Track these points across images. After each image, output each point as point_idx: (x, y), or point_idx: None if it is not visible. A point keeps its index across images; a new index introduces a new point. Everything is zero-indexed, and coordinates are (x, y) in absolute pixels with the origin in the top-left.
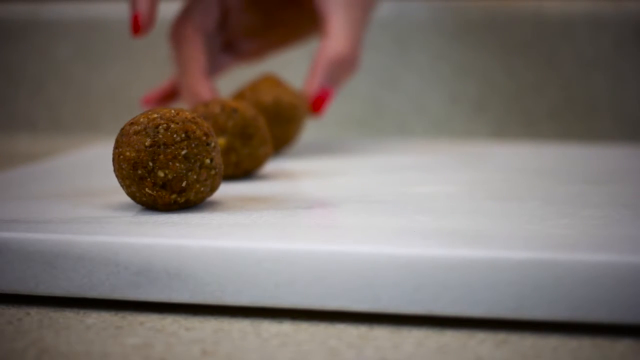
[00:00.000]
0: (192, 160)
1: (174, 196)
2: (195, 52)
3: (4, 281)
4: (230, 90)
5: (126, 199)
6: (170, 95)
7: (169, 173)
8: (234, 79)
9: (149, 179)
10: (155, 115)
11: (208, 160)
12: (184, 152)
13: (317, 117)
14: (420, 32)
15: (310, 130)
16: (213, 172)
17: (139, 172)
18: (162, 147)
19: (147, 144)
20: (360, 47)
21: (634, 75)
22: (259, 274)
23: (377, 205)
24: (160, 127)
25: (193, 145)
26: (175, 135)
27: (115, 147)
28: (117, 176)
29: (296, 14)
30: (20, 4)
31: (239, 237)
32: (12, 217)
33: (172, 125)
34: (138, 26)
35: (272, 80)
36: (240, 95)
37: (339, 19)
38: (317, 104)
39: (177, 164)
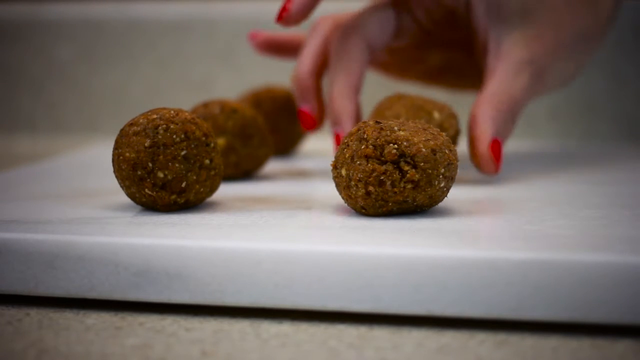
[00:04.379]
0: (192, 161)
1: (173, 197)
2: (355, 65)
3: (4, 281)
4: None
5: (126, 199)
6: (286, 47)
7: (168, 174)
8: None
9: (148, 180)
10: (155, 116)
11: (207, 161)
12: (183, 152)
13: (494, 173)
14: None
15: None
16: (213, 172)
17: (139, 172)
18: (161, 147)
19: (146, 144)
20: (524, 99)
21: (633, 75)
22: (258, 274)
23: None
24: (160, 127)
25: (192, 145)
26: (174, 136)
27: (115, 148)
28: (116, 177)
29: (460, 70)
30: (20, 4)
31: (238, 237)
32: (12, 217)
33: (172, 126)
34: (311, 122)
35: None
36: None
37: (505, 65)
38: (494, 159)
39: (177, 165)
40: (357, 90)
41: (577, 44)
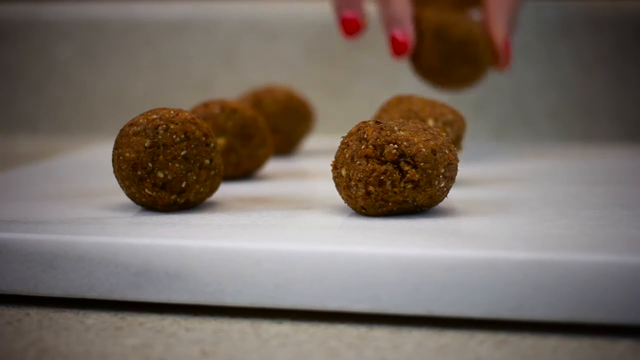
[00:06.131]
0: (192, 161)
1: (173, 197)
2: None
3: (4, 281)
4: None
5: (126, 199)
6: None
7: (168, 174)
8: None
9: (148, 180)
10: (155, 116)
11: (207, 161)
12: (183, 152)
13: (505, 68)
14: None
15: (310, 130)
16: (213, 172)
17: (139, 172)
18: (161, 147)
19: (146, 144)
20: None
21: (634, 75)
22: (258, 274)
23: None
24: (160, 127)
25: (192, 145)
26: (174, 136)
27: (115, 148)
28: (116, 177)
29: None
30: (20, 4)
31: (238, 237)
32: (12, 217)
33: (172, 126)
34: (357, 26)
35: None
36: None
37: None
38: (506, 55)
39: (177, 165)
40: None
41: None
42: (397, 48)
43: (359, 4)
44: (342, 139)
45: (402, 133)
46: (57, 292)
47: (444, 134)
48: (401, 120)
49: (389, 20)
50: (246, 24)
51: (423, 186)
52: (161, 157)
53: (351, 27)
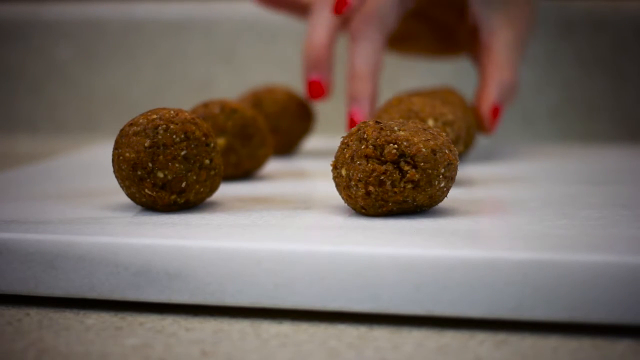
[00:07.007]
0: (192, 161)
1: (173, 197)
2: (375, 53)
3: (4, 281)
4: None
5: (126, 199)
6: (285, 2)
7: (168, 174)
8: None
9: (148, 180)
10: (155, 116)
11: (207, 161)
12: (183, 152)
13: (489, 134)
14: None
15: (310, 130)
16: (212, 172)
17: (139, 172)
18: (161, 147)
19: (146, 144)
20: (519, 71)
21: (634, 75)
22: (258, 274)
23: None
24: (160, 127)
25: (192, 145)
26: (174, 136)
27: (115, 148)
28: (116, 177)
29: (452, 38)
30: (20, 4)
31: (238, 237)
32: (12, 217)
33: (172, 126)
34: (322, 91)
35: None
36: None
37: (502, 44)
38: (491, 121)
39: (177, 165)
40: (377, 73)
41: (533, 17)
42: (314, 91)
43: (327, 68)
44: (342, 139)
45: (402, 133)
46: (57, 292)
47: (444, 134)
48: (401, 120)
49: (350, 97)
50: (246, 24)
51: (423, 186)
52: (161, 157)
53: (317, 90)
